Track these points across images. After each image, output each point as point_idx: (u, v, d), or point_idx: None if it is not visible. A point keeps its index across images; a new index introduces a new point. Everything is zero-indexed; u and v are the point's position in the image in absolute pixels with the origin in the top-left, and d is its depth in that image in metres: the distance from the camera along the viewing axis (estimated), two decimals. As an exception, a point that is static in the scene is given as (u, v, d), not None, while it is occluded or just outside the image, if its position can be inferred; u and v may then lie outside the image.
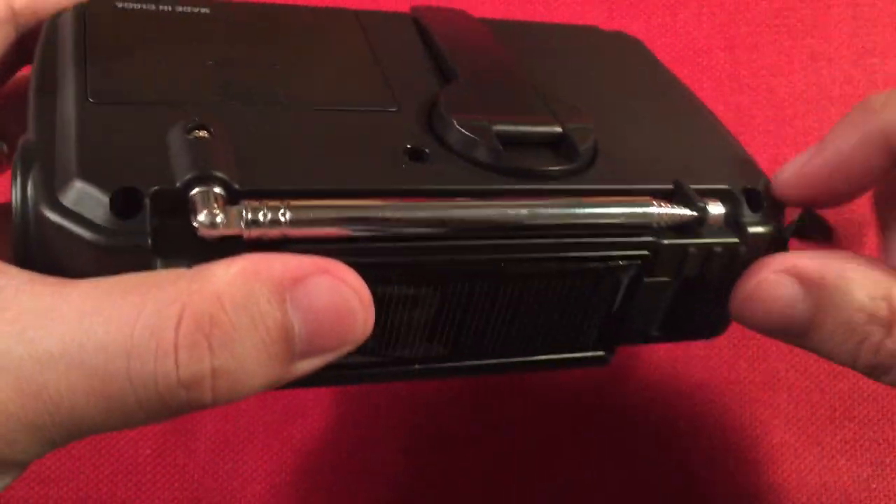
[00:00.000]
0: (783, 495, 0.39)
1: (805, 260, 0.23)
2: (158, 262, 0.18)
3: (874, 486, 0.39)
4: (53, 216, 0.18)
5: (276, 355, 0.18)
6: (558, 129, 0.23)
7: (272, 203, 0.18)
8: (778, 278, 0.23)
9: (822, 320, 0.22)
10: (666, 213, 0.23)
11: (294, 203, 0.19)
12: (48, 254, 0.19)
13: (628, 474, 0.39)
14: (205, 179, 0.18)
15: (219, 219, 0.18)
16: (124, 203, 0.18)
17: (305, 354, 0.19)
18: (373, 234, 0.20)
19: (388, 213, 0.20)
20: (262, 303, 0.18)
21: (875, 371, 0.22)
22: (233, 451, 0.39)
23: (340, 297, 0.19)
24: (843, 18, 0.44)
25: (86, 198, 0.18)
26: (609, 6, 0.44)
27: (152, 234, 0.18)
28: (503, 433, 0.39)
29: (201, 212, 0.18)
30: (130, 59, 0.23)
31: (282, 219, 0.18)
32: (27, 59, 0.28)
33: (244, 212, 0.18)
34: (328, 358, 0.19)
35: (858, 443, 0.39)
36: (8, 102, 0.29)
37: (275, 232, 0.18)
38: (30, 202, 0.19)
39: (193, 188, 0.18)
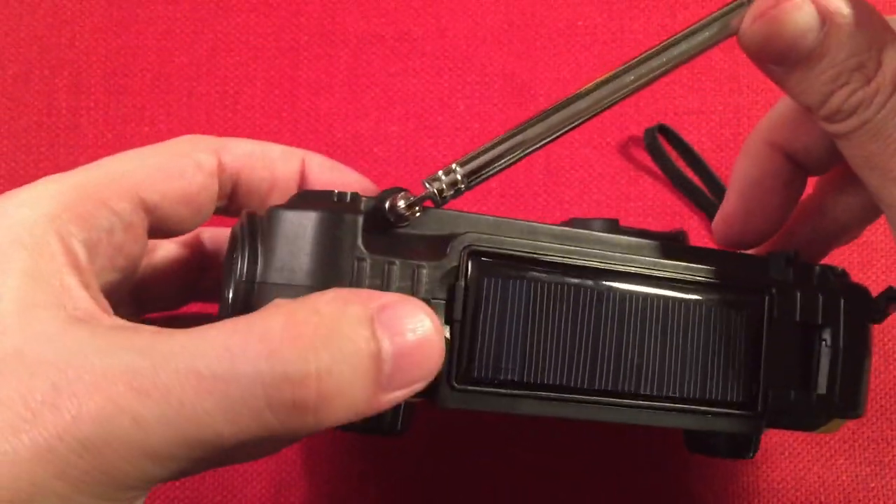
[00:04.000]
0: (782, 494, 0.39)
1: None
2: (361, 220, 0.23)
3: (873, 484, 0.39)
4: (291, 212, 0.23)
5: (369, 371, 0.20)
6: None
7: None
8: (802, 4, 0.23)
9: (819, 56, 0.23)
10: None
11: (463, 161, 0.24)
12: (277, 252, 0.23)
13: (627, 474, 0.39)
14: (394, 190, 0.24)
15: (408, 196, 0.24)
16: (341, 197, 0.24)
17: (392, 379, 0.21)
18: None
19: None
20: (353, 320, 0.20)
21: (836, 116, 0.24)
22: (233, 450, 0.39)
23: (421, 322, 0.21)
24: (842, 19, 0.44)
25: (312, 196, 0.24)
26: (609, 6, 0.44)
27: (364, 215, 0.23)
28: (503, 435, 0.39)
29: (399, 194, 0.24)
30: None
31: (457, 170, 0.24)
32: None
33: (426, 184, 0.24)
34: (411, 389, 0.21)
35: (857, 442, 0.39)
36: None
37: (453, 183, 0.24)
38: (271, 213, 0.23)
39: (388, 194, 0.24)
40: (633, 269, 0.25)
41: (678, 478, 0.39)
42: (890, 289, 0.28)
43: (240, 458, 0.27)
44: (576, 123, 0.25)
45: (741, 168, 0.30)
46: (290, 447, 0.39)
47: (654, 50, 0.25)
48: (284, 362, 0.19)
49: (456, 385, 0.24)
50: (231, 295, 0.23)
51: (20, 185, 0.23)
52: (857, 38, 0.23)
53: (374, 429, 0.26)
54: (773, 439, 0.39)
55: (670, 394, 0.26)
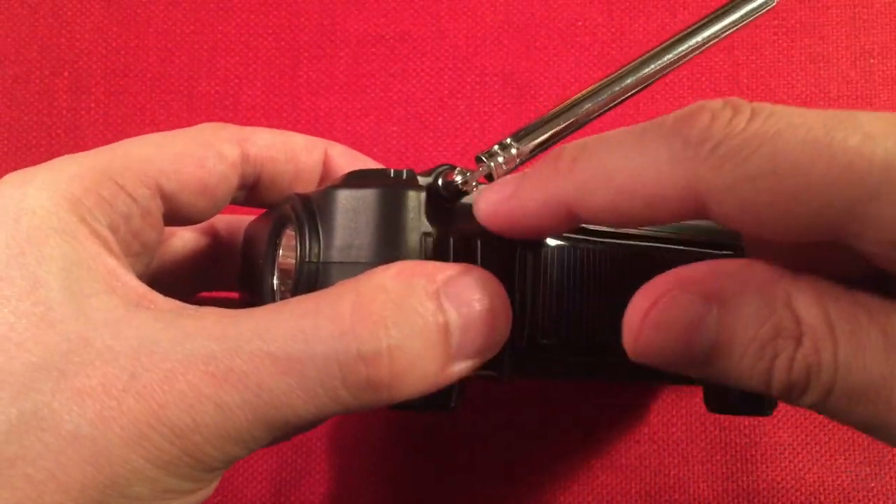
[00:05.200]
0: (781, 494, 0.39)
1: (701, 271, 0.20)
2: (423, 197, 0.23)
3: (872, 484, 0.39)
4: (350, 191, 0.23)
5: (438, 344, 0.20)
6: None
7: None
8: (677, 295, 0.19)
9: (728, 340, 0.19)
10: None
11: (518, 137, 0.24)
12: (338, 230, 0.23)
13: (626, 473, 0.39)
14: (446, 166, 0.24)
15: (465, 171, 0.23)
16: (397, 174, 0.23)
17: (461, 350, 0.21)
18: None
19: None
20: (420, 294, 0.20)
21: (792, 392, 0.19)
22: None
23: (487, 291, 0.21)
24: (842, 19, 0.44)
25: (367, 175, 0.23)
26: (609, 6, 0.44)
27: (427, 190, 0.23)
28: (505, 433, 0.39)
29: (455, 170, 0.23)
30: None
31: (513, 145, 0.23)
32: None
33: (483, 158, 0.23)
34: (480, 359, 0.21)
35: (857, 442, 0.39)
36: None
37: (510, 158, 0.23)
38: (324, 191, 0.23)
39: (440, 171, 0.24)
40: (672, 235, 0.26)
41: (679, 477, 0.39)
42: None
43: (309, 429, 0.27)
44: (630, 94, 0.25)
45: (527, 198, 0.23)
46: (287, 449, 0.39)
47: (712, 15, 0.25)
48: (358, 341, 0.19)
49: (520, 353, 0.23)
50: (294, 276, 0.23)
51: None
52: (756, 301, 0.19)
53: (428, 406, 0.25)
54: (773, 439, 0.39)
55: None
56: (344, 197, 0.23)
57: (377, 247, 0.22)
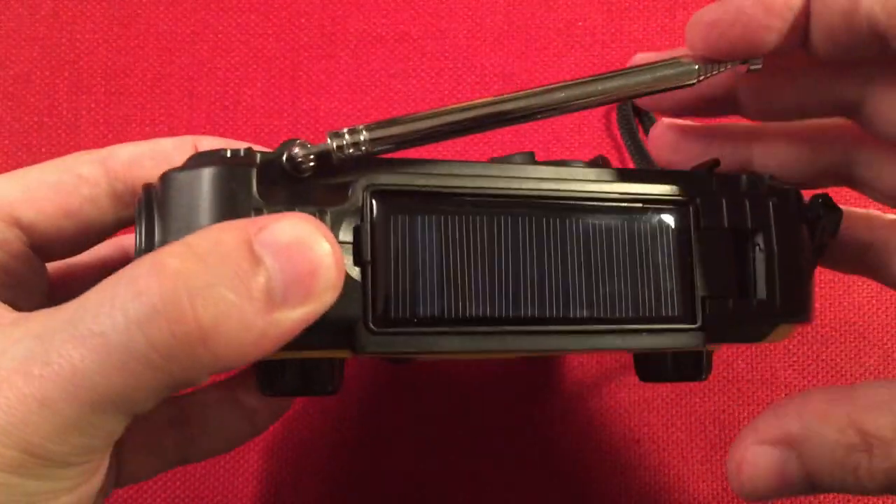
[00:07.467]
0: (782, 494, 0.39)
1: (770, 422, 0.24)
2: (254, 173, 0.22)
3: (872, 485, 0.39)
4: (183, 173, 0.23)
5: (254, 290, 0.19)
6: None
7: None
8: (759, 450, 0.24)
9: (816, 470, 0.23)
10: None
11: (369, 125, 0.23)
12: (173, 214, 0.22)
13: (626, 472, 0.39)
14: (291, 141, 0.23)
15: (306, 144, 0.23)
16: (234, 153, 0.23)
17: (287, 295, 0.20)
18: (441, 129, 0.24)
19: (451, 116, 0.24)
20: (228, 245, 0.19)
21: (893, 489, 0.23)
22: (233, 450, 0.39)
23: (304, 230, 0.20)
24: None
25: (205, 156, 0.23)
26: (609, 6, 0.44)
27: (258, 166, 0.23)
28: (504, 434, 0.39)
29: (296, 143, 0.23)
30: None
31: (363, 132, 0.23)
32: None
33: (329, 137, 0.23)
34: (313, 306, 0.20)
35: (856, 442, 0.39)
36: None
37: (357, 140, 0.23)
38: (166, 175, 0.23)
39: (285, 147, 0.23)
40: (548, 194, 0.25)
41: (679, 477, 0.39)
42: (820, 196, 0.27)
43: (209, 444, 0.28)
44: (500, 123, 0.24)
45: None
46: (287, 449, 0.39)
47: (591, 77, 0.25)
48: (151, 297, 0.18)
49: (374, 328, 0.23)
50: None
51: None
52: (827, 431, 0.23)
53: (306, 389, 0.25)
54: (773, 439, 0.39)
55: (603, 315, 0.25)
56: (177, 179, 0.22)
57: (209, 225, 0.22)
